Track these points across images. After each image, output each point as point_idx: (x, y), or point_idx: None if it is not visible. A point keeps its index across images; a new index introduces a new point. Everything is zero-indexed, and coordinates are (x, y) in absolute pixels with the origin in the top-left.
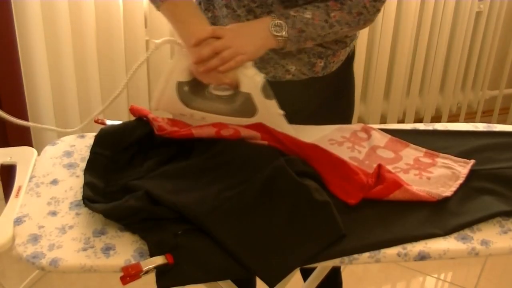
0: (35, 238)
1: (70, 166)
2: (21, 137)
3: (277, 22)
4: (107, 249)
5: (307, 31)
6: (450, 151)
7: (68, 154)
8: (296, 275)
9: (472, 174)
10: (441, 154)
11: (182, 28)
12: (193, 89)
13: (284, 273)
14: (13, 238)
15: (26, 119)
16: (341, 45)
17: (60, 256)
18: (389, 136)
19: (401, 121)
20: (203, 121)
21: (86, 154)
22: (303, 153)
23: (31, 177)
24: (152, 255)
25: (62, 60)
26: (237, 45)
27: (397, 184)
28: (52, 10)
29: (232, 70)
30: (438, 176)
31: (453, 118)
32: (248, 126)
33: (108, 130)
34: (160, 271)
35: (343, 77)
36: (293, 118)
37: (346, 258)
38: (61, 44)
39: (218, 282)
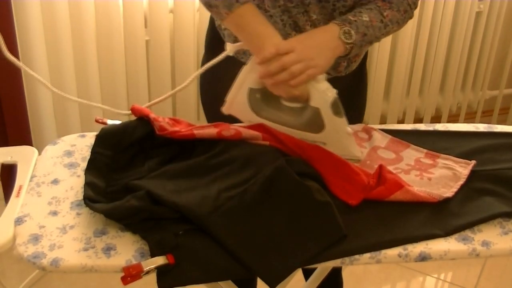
0: (36, 238)
1: (71, 165)
2: (20, 136)
3: (346, 29)
4: (108, 249)
5: (368, 34)
6: (450, 151)
7: (68, 153)
8: (297, 275)
9: (473, 175)
10: (442, 155)
11: (250, 41)
12: (265, 97)
13: (285, 274)
14: (14, 238)
15: (26, 119)
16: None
17: (61, 256)
18: (390, 136)
19: (401, 121)
20: None
21: (87, 153)
22: (304, 153)
23: (32, 177)
24: (153, 255)
25: (62, 60)
26: (307, 58)
27: (398, 185)
28: (52, 10)
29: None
30: (439, 177)
31: (453, 118)
32: (249, 127)
33: (109, 130)
34: (161, 271)
35: (358, 75)
36: None
37: (347, 259)
38: (61, 44)
39: (219, 282)
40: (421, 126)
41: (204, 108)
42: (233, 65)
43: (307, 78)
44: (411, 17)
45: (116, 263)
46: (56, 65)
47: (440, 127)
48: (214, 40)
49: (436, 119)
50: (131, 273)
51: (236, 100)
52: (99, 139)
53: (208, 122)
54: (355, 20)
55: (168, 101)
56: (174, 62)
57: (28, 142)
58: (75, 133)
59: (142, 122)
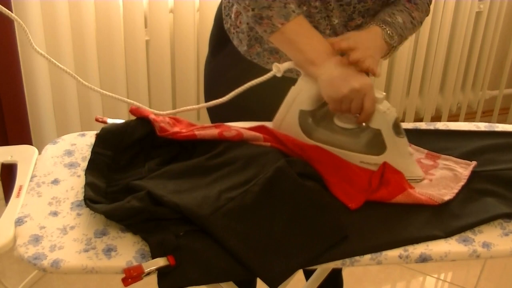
0: (36, 239)
1: (71, 165)
2: (20, 135)
3: (388, 31)
4: (108, 250)
5: (403, 36)
6: (451, 152)
7: (69, 153)
8: (297, 275)
9: (473, 175)
10: (443, 156)
11: (303, 53)
12: (316, 119)
13: (286, 275)
14: (14, 239)
15: (26, 119)
16: None
17: (62, 257)
18: None
19: (401, 121)
20: None
21: (87, 153)
22: (305, 154)
23: (32, 177)
24: (153, 256)
25: (62, 60)
26: (368, 56)
27: (401, 188)
28: (52, 10)
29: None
30: (439, 178)
31: (453, 118)
32: (251, 128)
33: (109, 129)
34: (161, 272)
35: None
36: None
37: (347, 260)
38: (61, 44)
39: (220, 283)
40: (422, 125)
41: (209, 111)
42: (240, 66)
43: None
44: (428, 15)
45: (116, 264)
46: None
47: (441, 125)
48: (220, 42)
49: (436, 119)
50: (131, 275)
51: (285, 122)
52: (100, 138)
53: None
54: (393, 22)
55: (168, 101)
56: (174, 62)
57: (28, 141)
58: (75, 132)
59: (143, 121)
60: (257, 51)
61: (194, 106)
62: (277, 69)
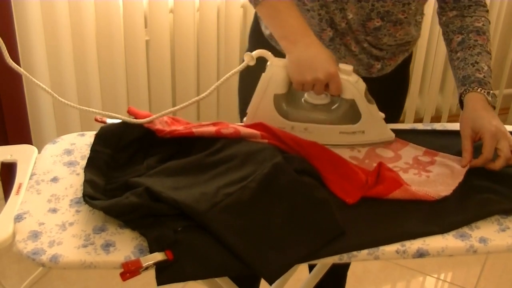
0: (35, 235)
1: (71, 164)
2: (20, 135)
3: (491, 93)
4: (107, 246)
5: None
6: (449, 150)
7: (68, 152)
8: (296, 272)
9: (470, 172)
10: (440, 153)
11: (282, 31)
12: (290, 100)
13: (283, 270)
14: (14, 235)
15: (26, 119)
16: (401, 48)
17: (60, 253)
18: None
19: (401, 121)
20: (305, 132)
21: (86, 152)
22: (303, 151)
23: (32, 175)
24: (152, 251)
25: (62, 60)
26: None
27: (397, 184)
28: (52, 10)
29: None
30: (437, 174)
31: (453, 118)
32: (248, 125)
33: (108, 129)
34: (159, 267)
35: (398, 79)
36: None
37: (345, 255)
38: (61, 44)
39: (218, 279)
40: (419, 126)
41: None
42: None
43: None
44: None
45: (115, 259)
46: (56, 65)
47: (438, 126)
48: (256, 32)
49: (436, 119)
50: (130, 269)
51: (260, 109)
52: (99, 137)
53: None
54: (484, 77)
55: (168, 101)
56: (174, 62)
57: (28, 141)
58: (74, 132)
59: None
60: None
61: (174, 108)
62: (250, 57)
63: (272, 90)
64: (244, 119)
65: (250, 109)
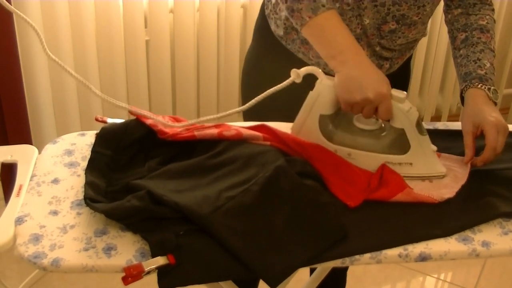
0: (36, 238)
1: (71, 165)
2: (21, 135)
3: (492, 89)
4: (108, 249)
5: (494, 78)
6: (451, 151)
7: (69, 152)
8: (297, 275)
9: (473, 175)
10: (443, 154)
11: (327, 49)
12: (336, 122)
13: (285, 274)
14: (14, 238)
15: (26, 119)
16: (409, 46)
17: (62, 256)
18: None
19: None
20: (349, 157)
21: (87, 152)
22: (305, 153)
23: (32, 176)
24: (153, 255)
25: (62, 60)
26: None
27: (400, 187)
28: (52, 10)
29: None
30: (439, 178)
31: (453, 118)
32: (250, 127)
33: (109, 129)
34: (161, 271)
35: (400, 75)
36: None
37: (347, 259)
38: (61, 44)
39: (220, 282)
40: None
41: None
42: (275, 52)
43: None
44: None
45: (116, 263)
46: (56, 65)
47: (440, 125)
48: (261, 27)
49: (436, 119)
50: (132, 273)
51: (305, 127)
52: (100, 138)
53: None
54: (486, 73)
55: (168, 101)
56: (174, 62)
57: (28, 141)
58: (74, 132)
59: (142, 121)
60: (293, 38)
61: (213, 116)
62: (296, 75)
63: (318, 110)
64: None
65: (294, 127)
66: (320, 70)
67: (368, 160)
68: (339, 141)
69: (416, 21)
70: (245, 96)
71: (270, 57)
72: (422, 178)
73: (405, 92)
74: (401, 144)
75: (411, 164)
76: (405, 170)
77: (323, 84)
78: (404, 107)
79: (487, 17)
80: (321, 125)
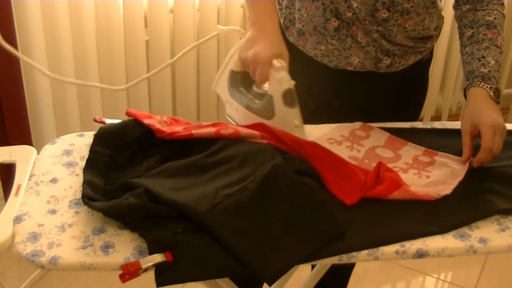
0: (34, 237)
1: (70, 164)
2: (20, 135)
3: (494, 88)
4: (106, 247)
5: (499, 75)
6: (449, 149)
7: (67, 152)
8: (295, 273)
9: (470, 172)
10: (440, 153)
11: (250, 16)
12: (243, 80)
13: (282, 271)
14: (13, 237)
15: (26, 119)
16: (415, 46)
17: (60, 254)
18: (388, 134)
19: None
20: (236, 111)
21: (86, 152)
22: (303, 151)
23: (31, 176)
24: (151, 253)
25: (62, 60)
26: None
27: (397, 185)
28: (52, 10)
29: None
30: (437, 174)
31: (453, 118)
32: (248, 126)
33: (107, 129)
34: (159, 268)
35: (413, 80)
36: (339, 110)
37: (344, 256)
38: (61, 44)
39: (218, 280)
40: (419, 124)
41: None
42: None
43: None
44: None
45: (114, 261)
46: (56, 65)
47: (438, 125)
48: None
49: (436, 118)
50: (129, 271)
51: (220, 82)
52: (98, 138)
53: None
54: (489, 71)
55: (168, 101)
56: (174, 62)
57: (28, 142)
58: (74, 132)
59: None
60: (291, 31)
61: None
62: (220, 30)
63: (230, 65)
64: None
65: (216, 76)
66: (242, 30)
67: (245, 118)
68: (235, 96)
69: (409, 9)
70: None
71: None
72: None
73: (284, 63)
74: (269, 110)
75: None
76: None
77: (240, 42)
78: (277, 75)
79: (495, 12)
80: (230, 80)
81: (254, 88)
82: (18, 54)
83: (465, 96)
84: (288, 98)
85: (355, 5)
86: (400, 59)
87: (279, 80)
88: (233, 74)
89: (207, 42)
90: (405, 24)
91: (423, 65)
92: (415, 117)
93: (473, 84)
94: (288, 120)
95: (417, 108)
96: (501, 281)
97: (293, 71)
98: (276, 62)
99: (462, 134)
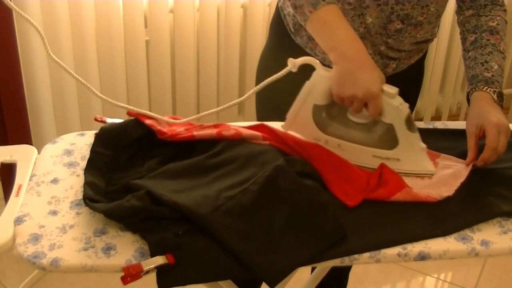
0: (35, 238)
1: (71, 164)
2: (20, 135)
3: (497, 92)
4: (108, 249)
5: (503, 80)
6: (451, 151)
7: (68, 152)
8: (296, 274)
9: (473, 174)
10: (442, 155)
11: (327, 42)
12: (330, 113)
13: (284, 273)
14: (14, 238)
15: (26, 119)
16: (418, 48)
17: (61, 256)
18: None
19: None
20: (338, 148)
21: (87, 152)
22: (305, 152)
23: (32, 176)
24: (153, 255)
25: (62, 60)
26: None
27: (399, 186)
28: (52, 10)
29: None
30: (439, 176)
31: (453, 118)
32: (250, 127)
33: (108, 129)
34: (161, 271)
35: (413, 75)
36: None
37: (346, 258)
38: (61, 44)
39: (219, 282)
40: (421, 124)
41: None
42: (287, 47)
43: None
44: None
45: (116, 263)
46: (56, 65)
47: (439, 125)
48: (276, 24)
49: (436, 119)
50: (131, 273)
51: (299, 116)
52: (99, 138)
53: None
54: (492, 75)
55: (168, 101)
56: (174, 62)
57: (28, 141)
58: (74, 132)
59: (142, 121)
60: (301, 34)
61: (212, 110)
62: (292, 64)
63: (313, 100)
64: (280, 123)
65: (289, 115)
66: (318, 61)
67: (357, 152)
68: (331, 131)
69: (422, 21)
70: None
71: (283, 51)
72: (409, 175)
73: (396, 88)
74: (389, 139)
75: (398, 159)
76: (392, 165)
77: (320, 74)
78: (394, 102)
79: (498, 18)
80: (314, 115)
81: (354, 119)
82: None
83: (468, 100)
84: (410, 123)
85: (370, 20)
86: (404, 61)
87: (397, 106)
88: (317, 109)
89: (206, 41)
90: (417, 34)
91: (421, 59)
92: (414, 103)
93: (477, 88)
94: (414, 145)
95: (414, 101)
96: (501, 281)
97: (299, 73)
98: (389, 89)
99: (468, 137)
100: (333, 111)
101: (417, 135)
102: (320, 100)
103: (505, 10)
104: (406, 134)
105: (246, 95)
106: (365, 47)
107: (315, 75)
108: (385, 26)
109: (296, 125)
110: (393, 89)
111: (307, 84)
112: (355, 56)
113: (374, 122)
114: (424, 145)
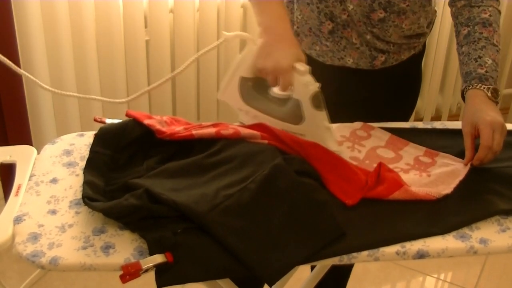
0: (35, 237)
1: (70, 164)
2: (20, 135)
3: (491, 89)
4: (106, 248)
5: (498, 72)
6: (450, 150)
7: (67, 152)
8: (296, 273)
9: (471, 172)
10: (441, 153)
11: (261, 22)
12: (255, 86)
13: (282, 271)
14: (13, 237)
15: (26, 119)
16: (409, 43)
17: (60, 255)
18: (389, 134)
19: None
20: (255, 119)
21: (86, 152)
22: (303, 151)
23: (31, 176)
24: (151, 253)
25: (62, 60)
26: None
27: (397, 185)
28: (52, 10)
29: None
30: (438, 174)
31: (453, 118)
32: (248, 126)
33: (107, 129)
34: (159, 269)
35: (406, 73)
36: (337, 104)
37: (345, 257)
38: (61, 44)
39: (218, 281)
40: (419, 124)
41: None
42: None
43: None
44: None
45: (115, 262)
46: (56, 65)
47: (438, 125)
48: None
49: (436, 118)
50: (129, 271)
51: (229, 87)
52: (98, 138)
53: None
54: (486, 71)
55: (168, 101)
56: (174, 62)
57: (28, 142)
58: (74, 132)
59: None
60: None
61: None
62: (224, 37)
63: (240, 72)
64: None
65: (222, 86)
66: (249, 35)
67: (270, 124)
68: (252, 103)
69: (405, 9)
70: None
71: None
72: None
73: (308, 66)
74: (297, 115)
75: (303, 135)
76: None
77: (248, 48)
78: (302, 80)
79: (490, 8)
80: (241, 86)
81: (272, 93)
82: (20, 71)
83: (463, 98)
84: (316, 101)
85: (351, 7)
86: (394, 55)
87: (305, 84)
88: (244, 80)
89: (206, 41)
90: (402, 24)
91: (416, 59)
92: (411, 109)
93: (471, 86)
94: (318, 123)
95: (412, 102)
96: (501, 281)
97: None
98: (300, 66)
99: (464, 136)
100: (258, 84)
101: (323, 114)
102: (247, 73)
103: (497, 0)
104: (311, 111)
105: (181, 67)
106: (350, 36)
107: (245, 49)
108: (368, 15)
109: (227, 94)
110: (304, 67)
111: (238, 57)
112: (278, 32)
113: (288, 98)
114: (329, 125)
